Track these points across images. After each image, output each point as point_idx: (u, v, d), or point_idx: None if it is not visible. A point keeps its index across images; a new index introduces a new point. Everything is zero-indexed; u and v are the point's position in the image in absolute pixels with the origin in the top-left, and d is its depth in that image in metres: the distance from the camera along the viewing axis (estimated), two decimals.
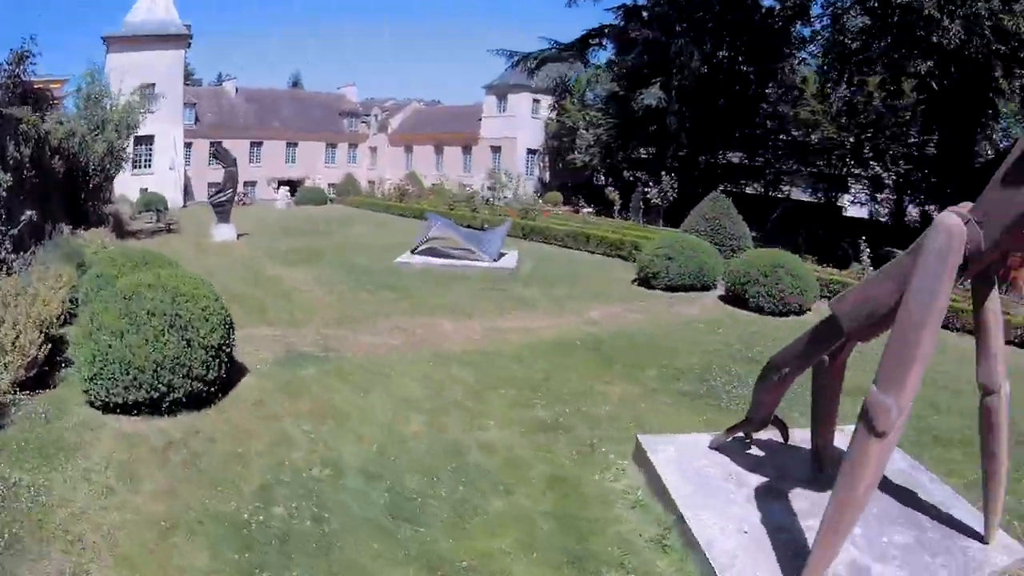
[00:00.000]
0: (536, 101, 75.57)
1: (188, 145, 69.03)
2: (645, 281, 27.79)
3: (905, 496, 10.88)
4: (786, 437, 11.87)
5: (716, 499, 10.20)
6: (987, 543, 9.90)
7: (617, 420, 13.64)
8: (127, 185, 55.97)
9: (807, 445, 11.37)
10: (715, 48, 56.78)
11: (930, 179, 63.75)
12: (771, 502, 10.25)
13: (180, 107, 63.53)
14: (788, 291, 24.56)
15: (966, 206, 7.86)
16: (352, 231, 42.55)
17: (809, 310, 25.83)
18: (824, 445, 10.95)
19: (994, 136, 63.29)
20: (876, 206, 69.15)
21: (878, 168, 66.99)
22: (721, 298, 26.93)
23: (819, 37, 55.46)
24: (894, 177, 66.87)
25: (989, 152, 61.79)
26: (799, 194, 70.42)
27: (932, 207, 67.11)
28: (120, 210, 46.67)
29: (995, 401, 8.68)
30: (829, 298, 27.92)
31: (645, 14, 58.48)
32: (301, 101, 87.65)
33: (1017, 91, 45.92)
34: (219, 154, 39.14)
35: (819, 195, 68.24)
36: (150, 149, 62.44)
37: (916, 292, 7.49)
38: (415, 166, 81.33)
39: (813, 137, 62.99)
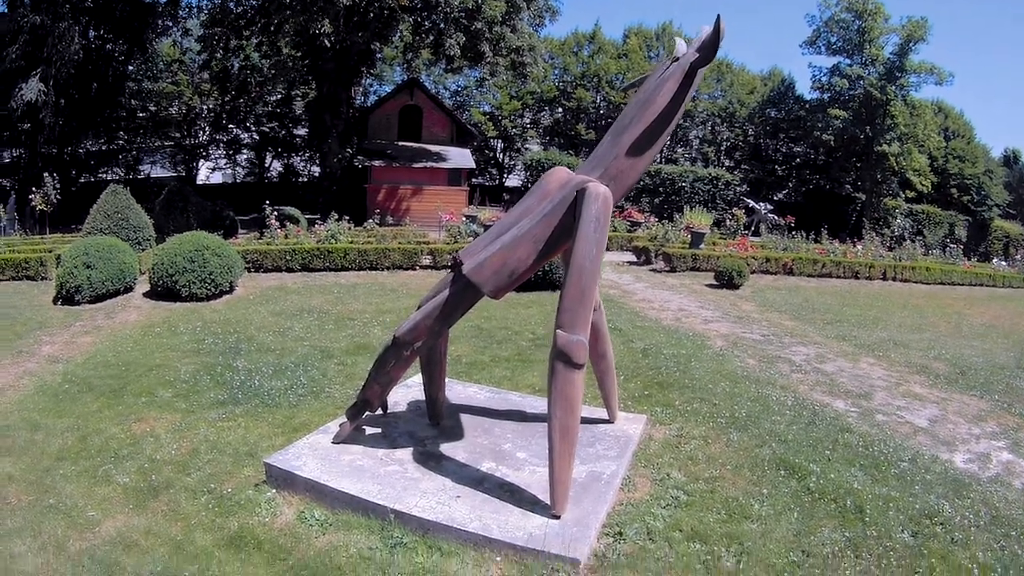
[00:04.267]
0: None
1: None
2: (68, 298, 26.54)
3: (518, 415, 13.60)
4: (386, 408, 13.27)
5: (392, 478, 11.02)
6: (613, 421, 13.12)
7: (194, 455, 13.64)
8: None
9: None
10: (89, 28, 54.74)
11: (293, 133, 67.12)
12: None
13: None
14: (218, 272, 25.85)
15: (590, 172, 9.78)
16: None
17: (236, 286, 27.52)
18: (440, 399, 12.83)
19: (364, 83, 67.78)
20: (237, 168, 71.09)
21: (238, 130, 69.04)
22: (147, 295, 27.94)
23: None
24: (256, 137, 69.39)
25: (361, 99, 66.06)
26: (160, 171, 70.02)
27: (297, 159, 70.82)
28: None
29: (597, 316, 11.53)
30: (255, 269, 30.07)
31: None
32: None
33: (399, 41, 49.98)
34: None
35: (180, 168, 68.31)
36: None
37: (584, 254, 8.82)
38: None
39: (173, 109, 63.17)
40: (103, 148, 68.55)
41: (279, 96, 66.79)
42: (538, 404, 13.80)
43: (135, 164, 72.04)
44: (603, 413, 13.31)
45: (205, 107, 66.16)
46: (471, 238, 35.78)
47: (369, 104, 72.23)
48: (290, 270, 32.41)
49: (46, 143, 56.02)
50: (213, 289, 26.13)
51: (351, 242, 34.59)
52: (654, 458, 12.79)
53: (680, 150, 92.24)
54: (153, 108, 66.10)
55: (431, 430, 12.78)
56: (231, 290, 27.34)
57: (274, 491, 11.54)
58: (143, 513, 11.10)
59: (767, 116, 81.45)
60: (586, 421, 12.05)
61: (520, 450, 11.69)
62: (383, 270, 33.31)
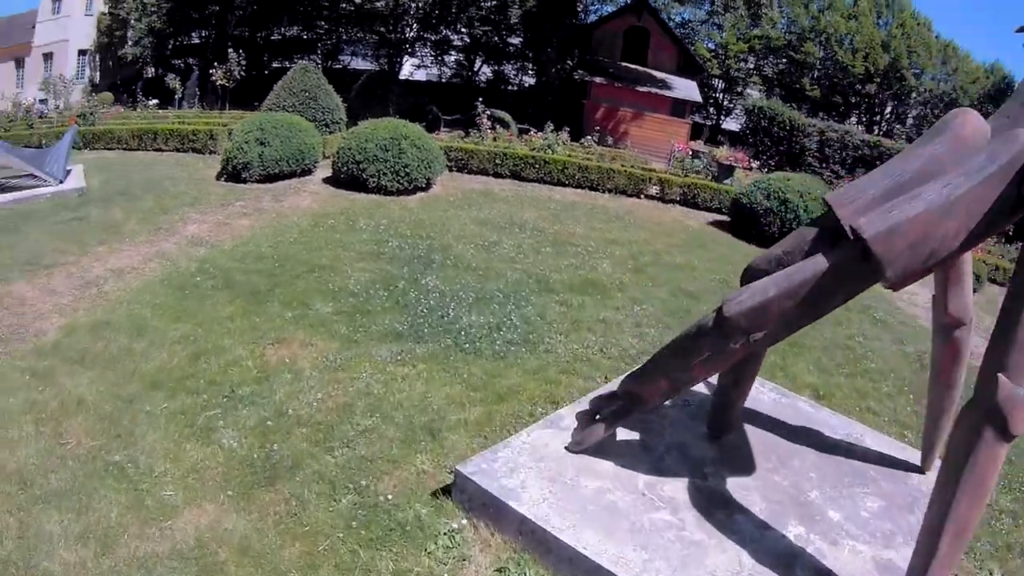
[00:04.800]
0: None
1: None
2: (235, 175, 23.52)
3: (816, 438, 9.72)
4: None
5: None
6: (925, 472, 9.26)
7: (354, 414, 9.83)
8: None
9: None
10: None
11: (506, 40, 63.82)
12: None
13: None
14: (415, 165, 22.21)
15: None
16: None
17: (434, 184, 23.05)
18: (738, 408, 9.16)
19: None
20: (444, 68, 68.60)
21: (447, 31, 66.20)
22: (328, 181, 24.05)
23: None
24: (467, 40, 66.35)
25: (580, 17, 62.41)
26: (361, 63, 67.44)
27: (508, 66, 67.45)
28: None
29: (964, 333, 7.99)
30: (458, 169, 25.76)
31: None
32: None
33: None
34: None
35: (382, 63, 65.66)
36: None
37: None
38: None
39: (379, 3, 60.58)
40: (301, 36, 65.06)
41: (493, 2, 62.92)
42: (834, 422, 10.16)
43: (334, 53, 67.87)
44: (910, 454, 9.70)
45: (414, 4, 62.95)
46: (695, 175, 30.33)
47: (590, 22, 67.79)
48: (498, 175, 27.78)
49: (236, 24, 53.12)
50: (407, 183, 22.57)
51: (569, 155, 29.44)
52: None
53: (897, 127, 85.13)
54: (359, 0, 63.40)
55: (709, 447, 8.74)
56: (427, 187, 23.51)
57: (464, 518, 7.38)
58: (245, 509, 7.64)
59: (985, 112, 72.82)
60: (886, 462, 9.28)
61: (831, 506, 8.02)
62: (604, 192, 28.21)
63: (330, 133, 28.26)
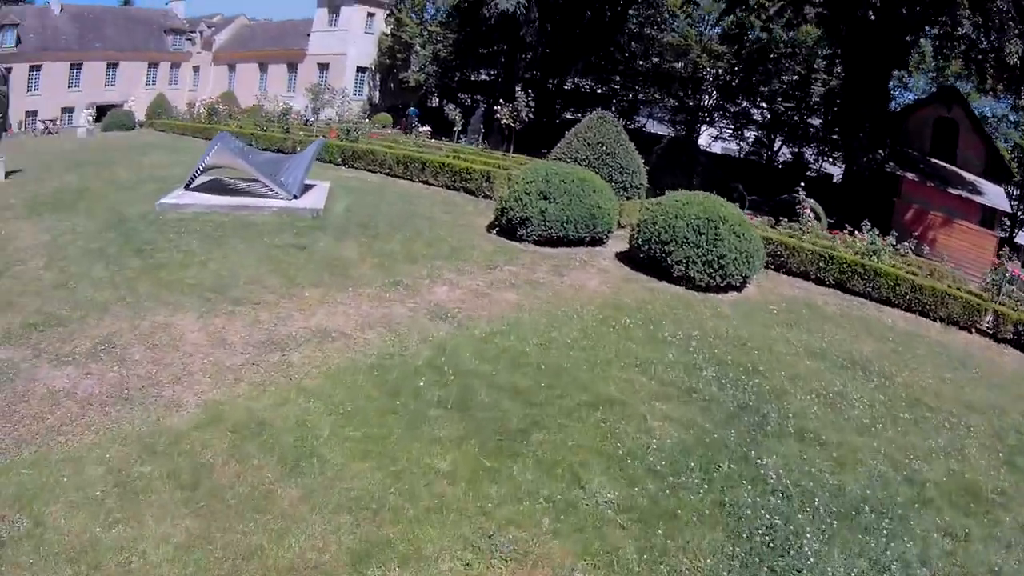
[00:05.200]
0: (371, 15, 62.68)
1: (8, 70, 55.69)
2: (509, 229, 19.58)
3: None
4: None
5: None
6: None
7: None
8: None
9: None
10: None
11: (806, 120, 58.26)
12: None
13: None
14: (732, 257, 16.91)
15: None
16: (146, 160, 30.69)
17: (749, 282, 18.61)
18: None
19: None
20: (742, 143, 63.14)
21: (747, 103, 60.93)
22: (621, 257, 19.41)
23: None
24: (767, 116, 60.88)
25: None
26: (655, 126, 62.90)
27: (808, 149, 61.47)
28: None
29: None
30: (774, 267, 19.73)
31: None
32: (126, 19, 72.68)
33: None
34: None
35: (679, 128, 60.81)
36: None
37: None
38: (238, 85, 68.77)
39: (679, 65, 56.00)
40: (595, 90, 61.61)
41: (795, 77, 56.99)
42: None
43: (629, 112, 63.67)
44: None
45: (714, 70, 57.88)
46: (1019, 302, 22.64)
47: (895, 108, 60.82)
48: (820, 281, 21.21)
49: (527, 67, 49.75)
50: (719, 278, 17.53)
51: (893, 266, 22.47)
52: None
53: None
54: (656, 60, 58.80)
55: None
56: (741, 286, 18.50)
57: None
58: None
59: None
60: None
61: None
62: (934, 320, 20.74)
63: (627, 198, 22.98)
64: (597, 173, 21.56)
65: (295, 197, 20.37)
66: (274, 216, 19.06)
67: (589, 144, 24.00)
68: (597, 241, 19.53)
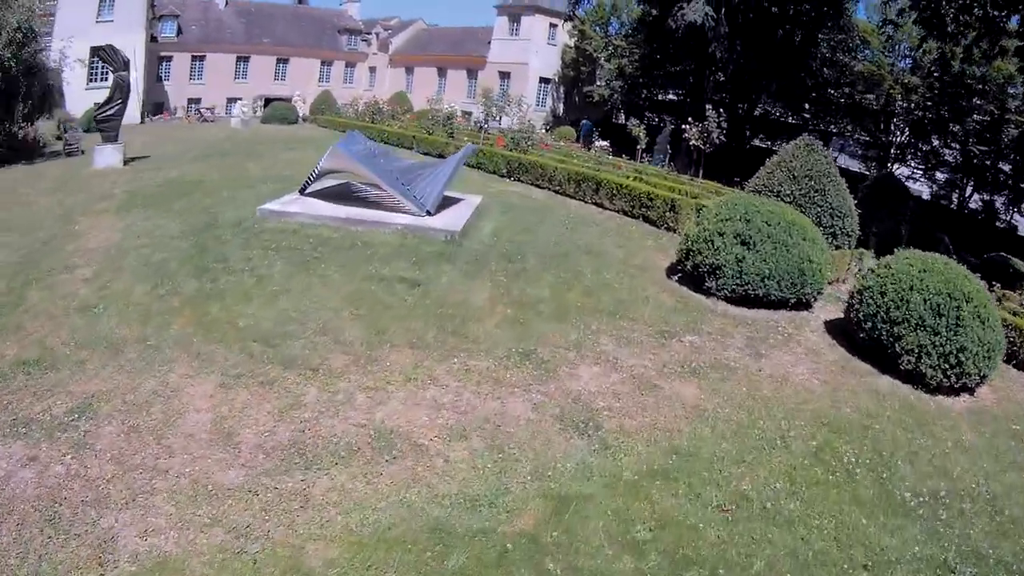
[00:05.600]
0: (553, 26, 59.33)
1: (168, 59, 57.89)
2: (694, 278, 14.59)
3: None
4: None
5: None
6: None
7: None
8: (84, 99, 43.33)
9: None
10: None
11: (997, 166, 52.13)
12: None
13: (141, 15, 51.13)
14: (974, 351, 12.41)
15: None
16: (286, 156, 27.87)
17: (984, 382, 13.05)
18: None
19: None
20: (932, 186, 57.15)
21: (937, 142, 54.93)
22: (832, 329, 13.96)
23: None
24: (958, 157, 54.75)
25: None
26: (846, 161, 57.21)
27: (999, 198, 54.91)
28: (41, 129, 34.14)
29: None
30: (1005, 356, 14.11)
31: None
32: (297, 17, 72.68)
33: None
34: (105, 55, 25.26)
35: (871, 166, 55.22)
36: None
37: None
38: (415, 88, 66.50)
39: (871, 96, 50.58)
40: (784, 118, 56.39)
41: (986, 117, 50.62)
42: None
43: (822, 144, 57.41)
44: None
45: (906, 104, 52.03)
46: None
47: None
48: None
49: (715, 88, 44.98)
50: (954, 378, 12.34)
51: None
52: None
53: None
54: (847, 89, 53.25)
55: None
56: (975, 387, 12.74)
57: None
58: None
59: None
60: None
61: None
62: None
63: (835, 247, 17.53)
64: (805, 212, 16.69)
65: (429, 213, 16.24)
66: (395, 235, 14.97)
67: (795, 176, 18.85)
68: (803, 304, 14.32)
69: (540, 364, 10.20)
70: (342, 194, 18.03)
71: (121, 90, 24.38)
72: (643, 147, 36.12)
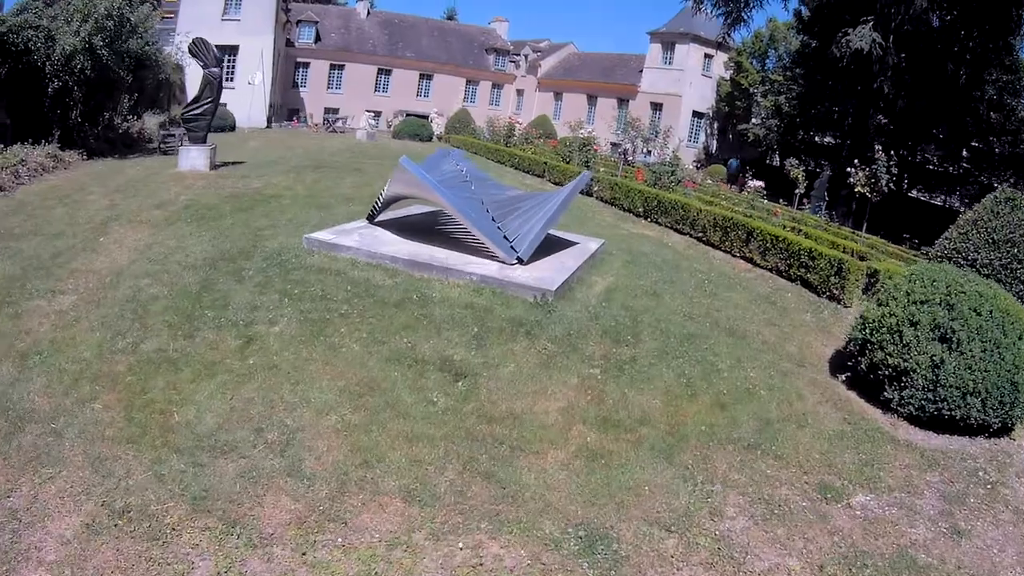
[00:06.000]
0: (708, 56, 54.88)
1: (306, 65, 58.17)
2: (869, 382, 10.19)
3: None
4: None
5: None
6: None
7: None
8: None
9: None
10: None
11: None
12: None
13: (270, 17, 49.99)
14: None
15: None
16: (388, 174, 23.92)
17: None
18: None
19: None
20: None
21: None
22: None
23: None
24: None
25: None
26: None
27: None
28: (148, 124, 34.10)
29: None
30: None
31: None
32: (442, 32, 70.10)
33: None
34: (196, 49, 22.82)
35: None
36: (233, 61, 48.30)
37: None
38: (563, 115, 62.30)
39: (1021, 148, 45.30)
40: (946, 168, 49.33)
41: None
42: None
43: (978, 198, 50.90)
44: None
45: None
46: None
47: None
48: None
49: (877, 132, 39.45)
50: None
51: None
52: None
53: None
54: (1010, 137, 47.19)
55: None
56: None
57: None
58: None
59: None
60: None
61: None
62: None
63: None
64: (1009, 290, 12.38)
65: (520, 261, 12.34)
66: (465, 290, 11.23)
67: (994, 241, 14.57)
68: (1004, 428, 9.79)
69: (611, 565, 6.13)
70: (424, 226, 14.42)
71: (211, 88, 21.93)
72: (802, 191, 31.69)
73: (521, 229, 12.74)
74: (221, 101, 33.95)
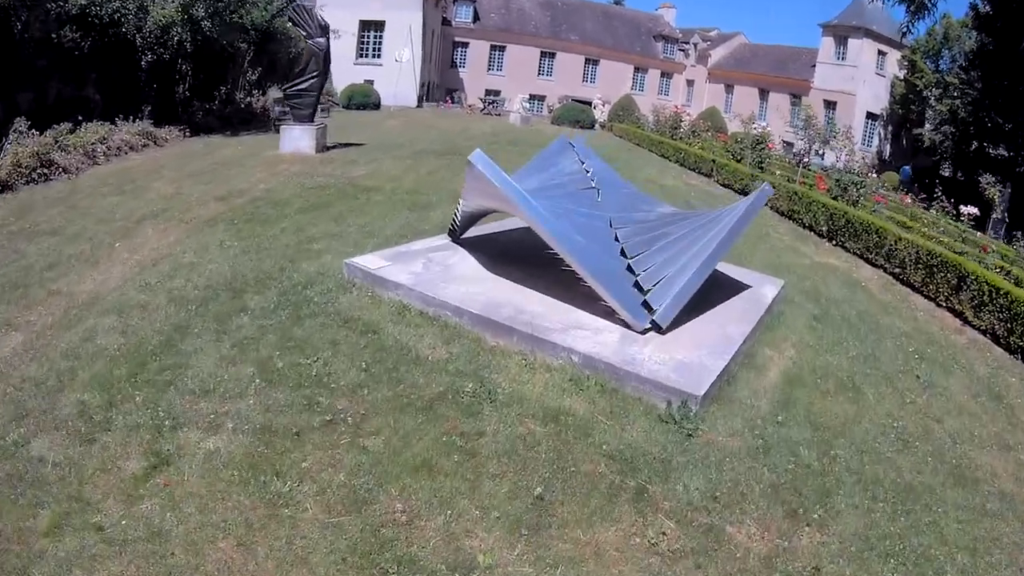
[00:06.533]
0: (882, 53, 50.89)
1: (464, 45, 57.23)
2: None
3: None
4: None
5: None
6: None
7: None
8: (350, 74, 42.39)
9: None
10: None
11: None
12: None
13: None
14: None
15: None
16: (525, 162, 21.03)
17: None
18: None
19: None
20: None
21: None
22: None
23: None
24: None
25: None
26: None
27: None
28: (269, 102, 31.58)
29: None
30: None
31: None
32: (607, 16, 66.54)
33: None
34: (297, 18, 20.41)
35: None
36: (379, 36, 46.71)
37: None
38: (734, 108, 57.53)
39: None
40: None
41: None
42: None
43: None
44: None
45: None
46: None
47: None
48: None
49: None
50: None
51: None
52: None
53: None
54: None
55: None
56: None
57: None
58: None
59: None
60: None
61: None
62: None
63: None
64: None
65: (657, 328, 7.86)
66: (558, 380, 7.02)
67: None
68: None
69: None
70: (527, 250, 9.82)
71: (316, 60, 19.14)
72: (999, 216, 26.38)
73: (664, 271, 8.26)
74: (368, 78, 31.34)
